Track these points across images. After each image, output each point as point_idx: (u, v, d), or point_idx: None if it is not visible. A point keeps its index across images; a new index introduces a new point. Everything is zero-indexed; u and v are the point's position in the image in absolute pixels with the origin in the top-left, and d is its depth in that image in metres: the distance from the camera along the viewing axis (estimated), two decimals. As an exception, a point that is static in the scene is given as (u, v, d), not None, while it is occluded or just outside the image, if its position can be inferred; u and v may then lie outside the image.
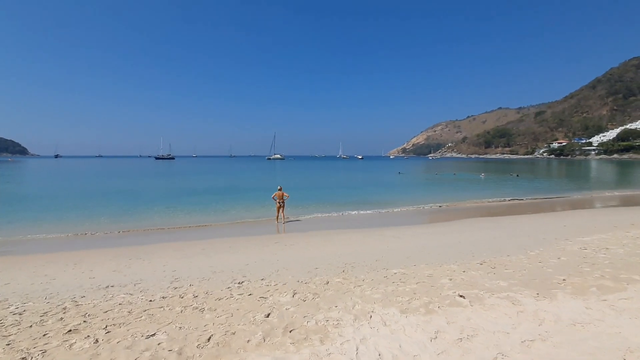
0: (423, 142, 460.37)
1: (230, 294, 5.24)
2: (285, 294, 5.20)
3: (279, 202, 14.26)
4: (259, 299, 4.98)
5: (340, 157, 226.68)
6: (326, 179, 43.65)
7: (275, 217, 14.46)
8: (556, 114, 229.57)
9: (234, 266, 7.33)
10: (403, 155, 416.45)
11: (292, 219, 15.18)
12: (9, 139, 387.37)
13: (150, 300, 5.08)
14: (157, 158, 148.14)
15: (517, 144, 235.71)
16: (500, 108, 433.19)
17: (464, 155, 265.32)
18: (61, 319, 4.42)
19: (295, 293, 5.22)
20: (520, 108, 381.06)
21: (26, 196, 24.12)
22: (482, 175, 45.97)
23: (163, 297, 5.20)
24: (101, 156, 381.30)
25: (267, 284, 5.80)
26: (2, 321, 4.40)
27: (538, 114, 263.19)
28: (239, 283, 5.90)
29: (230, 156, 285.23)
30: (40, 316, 4.52)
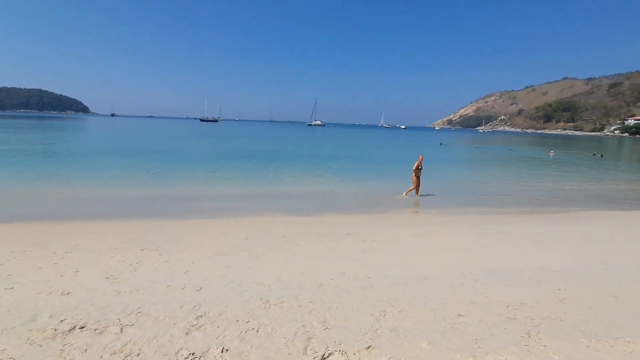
0: (472, 114, 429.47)
1: None
2: None
3: (417, 174, 11.93)
4: None
5: (382, 126, 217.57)
6: (370, 148, 39.51)
7: (410, 190, 11.97)
8: (635, 87, 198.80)
9: (298, 288, 4.23)
10: (449, 127, 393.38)
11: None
12: (72, 97, 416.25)
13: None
14: (202, 120, 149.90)
15: (584, 120, 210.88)
16: (565, 78, 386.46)
17: (518, 130, 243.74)
18: None
19: None
20: (590, 79, 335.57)
21: (71, 153, 23.00)
22: (552, 154, 37.95)
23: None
24: (151, 117, 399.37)
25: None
26: None
27: (612, 86, 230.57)
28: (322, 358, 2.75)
29: (271, 121, 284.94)
30: None
